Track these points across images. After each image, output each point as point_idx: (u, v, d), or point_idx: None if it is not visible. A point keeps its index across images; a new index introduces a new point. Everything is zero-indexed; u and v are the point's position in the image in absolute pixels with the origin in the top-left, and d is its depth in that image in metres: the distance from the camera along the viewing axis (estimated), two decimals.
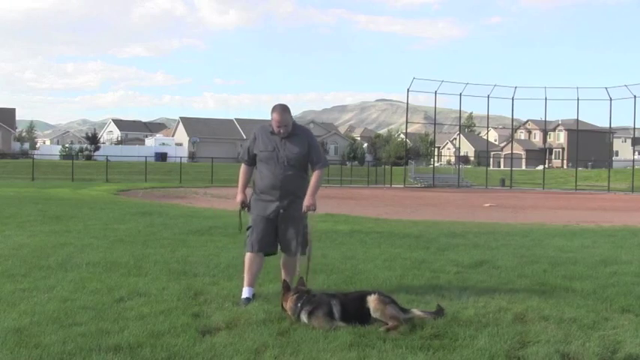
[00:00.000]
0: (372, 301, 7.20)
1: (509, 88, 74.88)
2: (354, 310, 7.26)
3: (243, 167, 9.00)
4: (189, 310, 7.74)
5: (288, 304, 7.59)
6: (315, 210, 8.68)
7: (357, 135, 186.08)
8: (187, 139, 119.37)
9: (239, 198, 8.84)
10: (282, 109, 8.60)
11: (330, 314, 7.30)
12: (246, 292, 8.47)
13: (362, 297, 7.36)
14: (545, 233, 17.81)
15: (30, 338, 6.45)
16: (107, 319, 7.25)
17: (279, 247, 8.79)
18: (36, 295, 8.40)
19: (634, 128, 69.40)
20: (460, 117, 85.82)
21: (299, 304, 7.48)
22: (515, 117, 79.04)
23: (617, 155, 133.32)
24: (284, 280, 8.15)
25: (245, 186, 8.91)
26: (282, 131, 8.55)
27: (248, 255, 8.69)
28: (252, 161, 8.88)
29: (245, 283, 8.58)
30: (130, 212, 21.73)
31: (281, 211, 8.59)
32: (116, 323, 7.09)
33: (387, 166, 79.02)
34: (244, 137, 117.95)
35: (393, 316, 7.13)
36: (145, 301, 8.20)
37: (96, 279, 9.51)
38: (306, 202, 8.61)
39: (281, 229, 8.66)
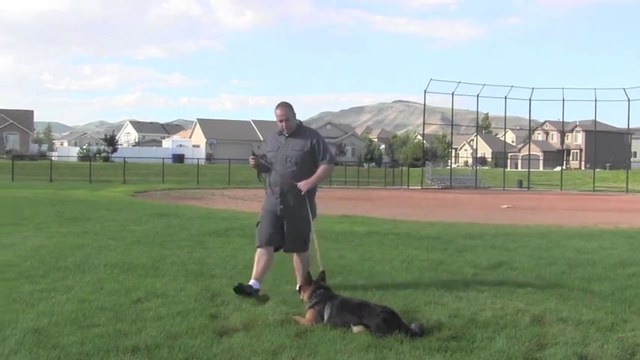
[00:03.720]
0: (355, 331, 7.08)
1: (526, 89, 74.62)
2: (341, 322, 7.23)
3: None
4: (207, 312, 7.74)
5: (305, 297, 7.77)
6: (302, 192, 8.80)
7: (374, 136, 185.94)
8: (204, 140, 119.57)
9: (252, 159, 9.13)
10: (284, 105, 9.08)
11: (321, 313, 7.42)
12: (251, 283, 8.73)
13: (356, 318, 7.21)
14: (563, 235, 17.76)
15: (48, 339, 6.47)
16: (125, 320, 7.26)
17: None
18: (54, 296, 8.43)
19: None
20: (477, 118, 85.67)
21: (311, 298, 7.64)
22: (532, 118, 79.19)
23: (635, 156, 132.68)
24: (307, 272, 8.23)
25: (266, 170, 9.22)
26: (284, 125, 8.98)
27: (257, 250, 9.06)
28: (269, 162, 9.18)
29: (253, 275, 8.86)
30: (147, 214, 21.78)
31: (280, 206, 8.96)
32: (134, 324, 7.10)
33: (404, 168, 79.06)
34: (261, 139, 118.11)
35: None
36: (162, 302, 8.21)
37: (113, 280, 9.53)
38: (304, 182, 8.84)
39: (282, 226, 9.02)
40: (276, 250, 9.12)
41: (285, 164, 8.96)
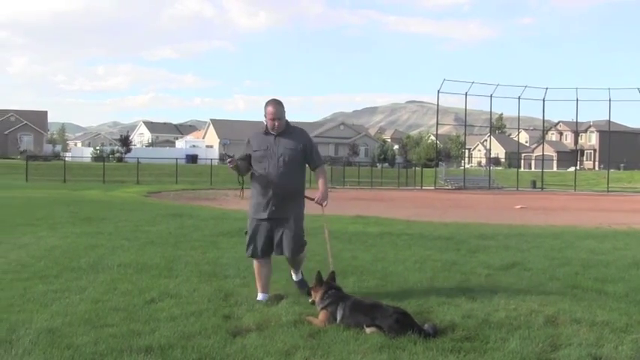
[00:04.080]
0: (368, 332, 7.08)
1: (540, 89, 74.66)
2: (354, 322, 7.24)
3: None
4: (220, 312, 7.75)
5: (317, 298, 7.72)
6: (326, 204, 8.67)
7: (387, 137, 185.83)
8: (218, 141, 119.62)
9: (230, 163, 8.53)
10: (277, 102, 8.51)
11: (333, 314, 7.42)
12: (260, 297, 8.50)
13: (369, 319, 7.21)
14: (577, 235, 17.69)
15: (62, 339, 6.49)
16: (138, 321, 7.28)
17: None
18: (68, 296, 8.46)
19: None
20: (491, 118, 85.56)
21: (323, 299, 7.61)
22: (546, 118, 79.03)
23: None
24: (319, 272, 8.01)
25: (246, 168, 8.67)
26: (276, 124, 8.44)
27: (254, 262, 8.68)
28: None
29: (259, 289, 8.60)
30: (160, 214, 21.81)
31: (273, 208, 8.42)
32: (147, 324, 7.12)
33: (417, 168, 79.02)
34: None
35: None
36: (175, 302, 8.23)
37: (127, 280, 9.55)
38: (321, 197, 8.63)
39: (275, 230, 8.52)
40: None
41: (277, 164, 8.42)
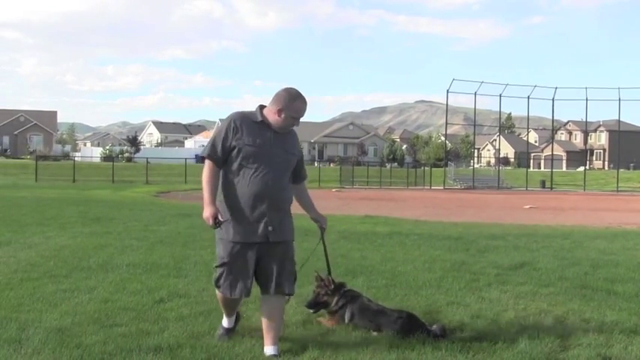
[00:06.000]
0: (375, 334, 7.07)
1: (549, 89, 74.30)
2: (361, 325, 7.23)
3: (209, 168, 6.43)
4: None
5: (333, 301, 7.57)
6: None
7: (396, 137, 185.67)
8: None
9: (210, 211, 6.25)
10: (305, 99, 6.40)
11: (342, 316, 7.40)
12: (226, 323, 6.89)
13: (374, 325, 7.17)
14: (586, 235, 17.65)
15: (71, 338, 6.50)
16: (147, 320, 7.29)
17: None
18: (77, 296, 8.46)
19: None
20: (500, 118, 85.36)
21: (337, 302, 7.52)
22: (555, 118, 78.81)
23: None
24: (329, 276, 7.57)
25: (215, 194, 6.36)
26: (295, 124, 6.39)
27: (222, 297, 6.61)
28: (223, 161, 6.41)
29: (225, 314, 6.88)
30: (170, 214, 21.83)
31: (270, 228, 6.26)
32: (156, 324, 7.13)
33: (426, 168, 78.84)
34: None
35: None
36: (184, 302, 8.23)
37: (136, 280, 9.55)
38: (323, 219, 6.95)
39: (267, 260, 6.36)
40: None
41: (275, 169, 6.30)
